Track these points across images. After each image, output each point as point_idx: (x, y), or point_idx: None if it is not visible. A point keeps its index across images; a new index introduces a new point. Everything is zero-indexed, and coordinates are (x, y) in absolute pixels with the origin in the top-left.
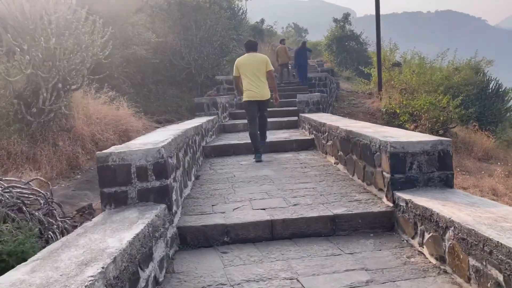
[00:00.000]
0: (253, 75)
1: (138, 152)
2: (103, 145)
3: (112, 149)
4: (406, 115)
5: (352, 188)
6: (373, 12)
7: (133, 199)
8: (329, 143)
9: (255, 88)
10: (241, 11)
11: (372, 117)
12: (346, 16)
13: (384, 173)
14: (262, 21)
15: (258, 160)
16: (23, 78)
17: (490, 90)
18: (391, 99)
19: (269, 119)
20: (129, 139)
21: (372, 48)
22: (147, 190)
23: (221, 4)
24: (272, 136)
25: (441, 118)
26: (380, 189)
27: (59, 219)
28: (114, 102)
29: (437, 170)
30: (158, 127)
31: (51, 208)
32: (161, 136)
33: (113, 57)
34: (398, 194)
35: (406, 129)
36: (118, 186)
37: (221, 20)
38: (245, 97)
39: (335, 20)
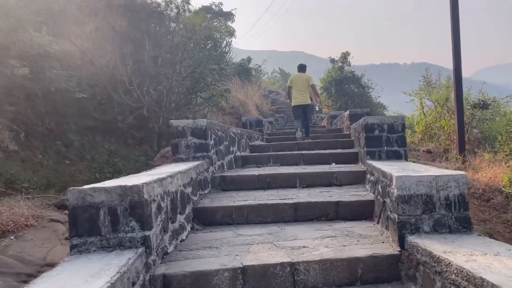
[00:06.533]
0: (299, 88)
1: None
2: None
3: None
4: None
5: None
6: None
7: None
8: None
9: (299, 96)
10: (224, 42)
11: (484, 203)
12: (345, 56)
13: None
14: (249, 59)
15: (305, 137)
16: None
17: None
18: None
19: None
20: None
21: (375, 93)
22: None
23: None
24: None
25: None
26: None
27: None
28: None
29: None
30: (54, 222)
31: None
32: None
33: None
34: None
35: None
36: None
37: (195, 38)
38: (293, 103)
39: (332, 60)
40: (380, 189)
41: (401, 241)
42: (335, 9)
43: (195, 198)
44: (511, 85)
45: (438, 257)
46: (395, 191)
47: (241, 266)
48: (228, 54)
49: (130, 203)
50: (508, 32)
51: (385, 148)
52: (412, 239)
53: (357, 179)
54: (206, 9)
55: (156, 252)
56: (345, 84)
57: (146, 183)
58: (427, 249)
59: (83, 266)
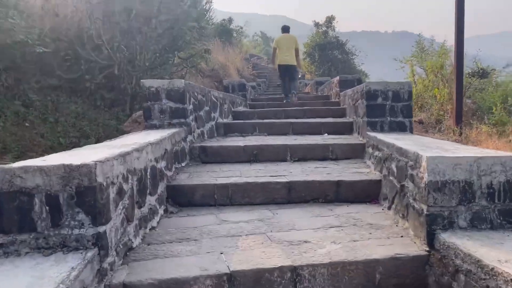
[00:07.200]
0: (285, 49)
1: None
2: None
3: None
4: None
5: None
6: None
7: None
8: None
9: (285, 57)
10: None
11: None
12: (330, 20)
13: None
14: (230, 20)
15: (287, 101)
16: None
17: None
18: None
19: None
20: None
21: (359, 60)
22: None
23: None
24: None
25: None
26: None
27: None
28: None
29: None
30: None
31: None
32: None
33: None
34: None
35: None
36: None
37: None
38: (278, 63)
39: (316, 24)
40: (394, 169)
41: (430, 239)
42: None
43: (169, 174)
44: (493, 56)
45: (493, 269)
46: (425, 175)
47: (228, 271)
48: (208, 13)
49: (78, 188)
50: (491, 3)
51: (389, 118)
52: (446, 237)
53: (355, 152)
54: None
55: (116, 250)
56: (329, 50)
57: (100, 161)
58: (473, 255)
59: (3, 281)
